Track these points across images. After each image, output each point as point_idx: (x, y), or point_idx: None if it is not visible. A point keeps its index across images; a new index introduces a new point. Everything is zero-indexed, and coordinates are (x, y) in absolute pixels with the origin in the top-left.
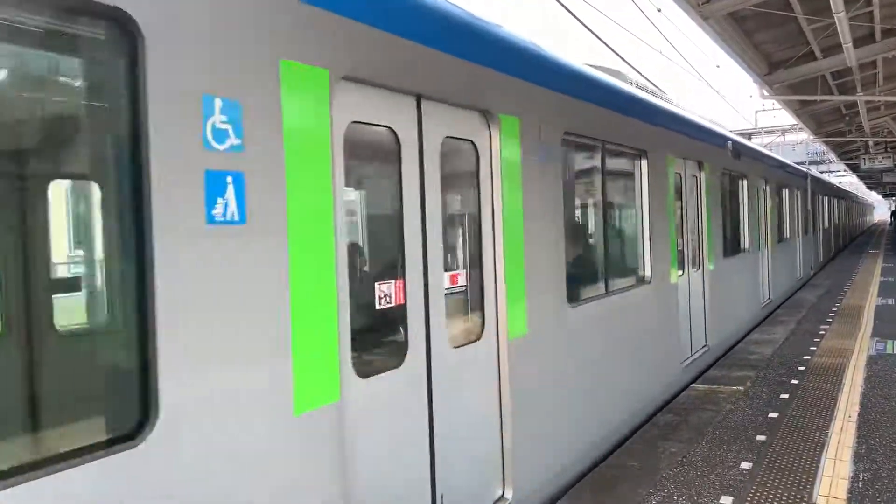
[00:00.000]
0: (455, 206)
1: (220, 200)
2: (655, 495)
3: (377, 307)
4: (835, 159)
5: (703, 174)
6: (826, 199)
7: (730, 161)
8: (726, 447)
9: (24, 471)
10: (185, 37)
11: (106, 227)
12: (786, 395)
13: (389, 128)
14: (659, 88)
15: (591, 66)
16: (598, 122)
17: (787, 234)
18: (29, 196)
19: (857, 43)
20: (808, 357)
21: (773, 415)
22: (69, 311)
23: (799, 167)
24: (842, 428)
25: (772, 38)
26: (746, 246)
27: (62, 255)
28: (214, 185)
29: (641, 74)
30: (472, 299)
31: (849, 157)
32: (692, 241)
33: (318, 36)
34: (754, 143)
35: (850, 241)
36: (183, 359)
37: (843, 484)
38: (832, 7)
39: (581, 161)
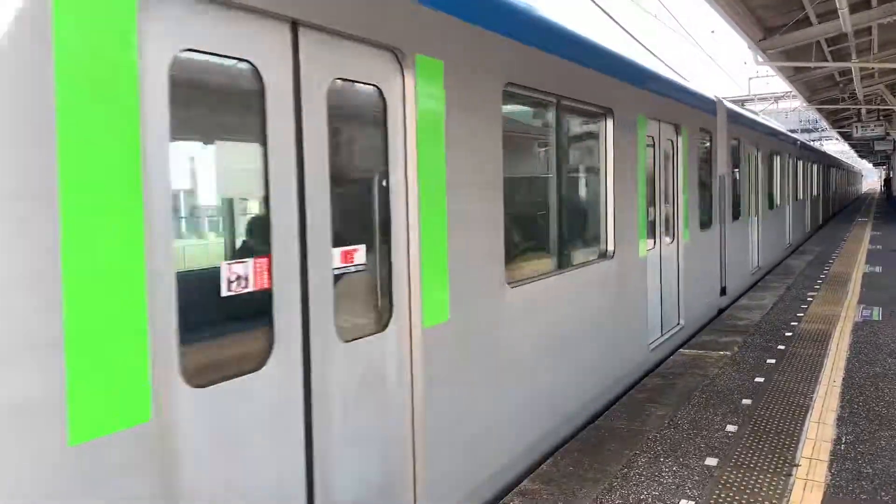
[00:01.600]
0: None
1: None
2: (642, 456)
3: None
4: (827, 127)
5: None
6: (815, 166)
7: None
8: (712, 410)
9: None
10: None
11: None
12: (772, 361)
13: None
14: (652, 53)
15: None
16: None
17: (778, 202)
18: None
19: (853, 8)
20: (796, 323)
21: (759, 379)
22: None
23: (790, 134)
24: (826, 392)
25: (767, 3)
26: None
27: None
28: None
29: (634, 38)
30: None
31: (841, 125)
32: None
33: None
34: (747, 110)
35: (832, 215)
36: None
37: (825, 446)
38: None
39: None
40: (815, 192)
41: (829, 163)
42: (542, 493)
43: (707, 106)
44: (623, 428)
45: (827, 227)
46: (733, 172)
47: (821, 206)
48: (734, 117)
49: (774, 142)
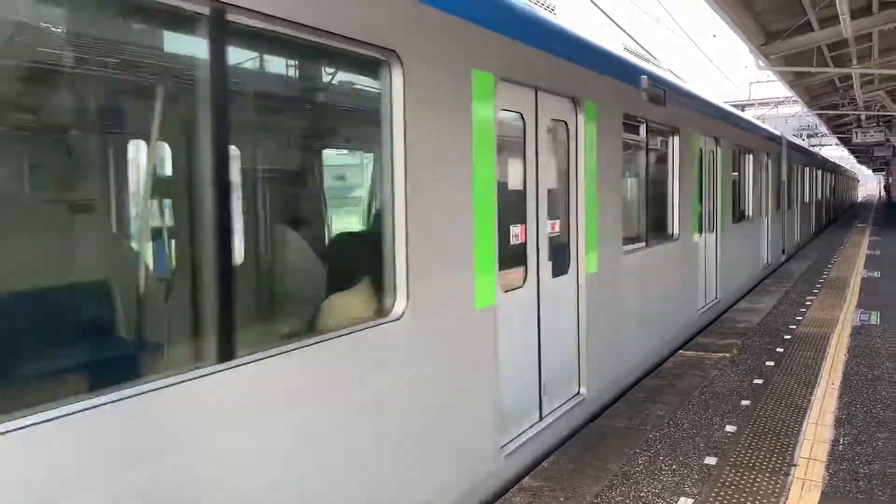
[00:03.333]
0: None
1: None
2: (642, 455)
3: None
4: (827, 132)
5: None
6: (806, 170)
7: (644, 107)
8: (712, 411)
9: None
10: None
11: None
12: (771, 363)
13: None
14: (653, 56)
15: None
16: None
17: (749, 212)
18: None
19: (854, 14)
20: (794, 326)
21: (757, 381)
22: None
23: (773, 131)
24: (824, 394)
25: (770, 8)
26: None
27: None
28: None
29: (635, 40)
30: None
31: (841, 130)
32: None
33: None
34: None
35: (823, 228)
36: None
37: (823, 447)
38: None
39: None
40: (799, 200)
41: (814, 164)
42: (543, 489)
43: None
44: (623, 427)
45: (816, 240)
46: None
47: (804, 219)
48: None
49: (740, 134)
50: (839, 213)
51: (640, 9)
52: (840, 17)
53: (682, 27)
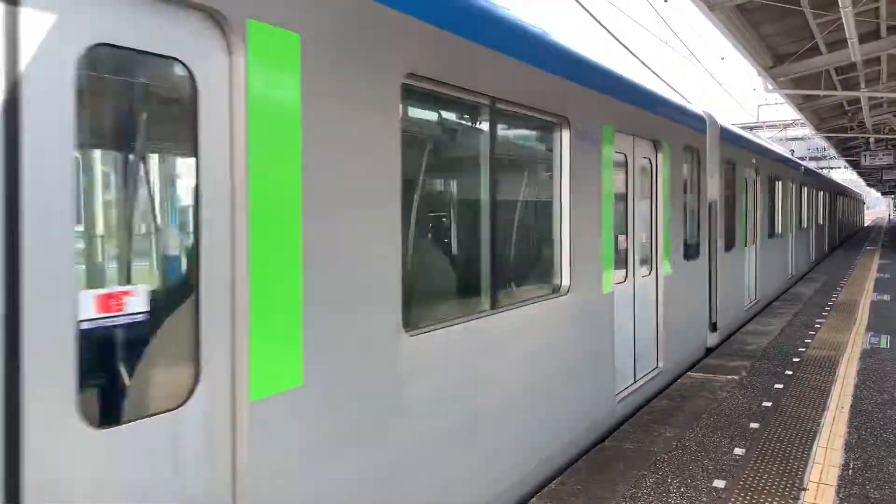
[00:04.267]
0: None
1: None
2: (650, 477)
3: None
4: (836, 155)
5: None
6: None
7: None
8: (720, 433)
9: None
10: None
11: None
12: (780, 385)
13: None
14: (661, 78)
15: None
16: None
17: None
18: None
19: (863, 39)
20: (803, 349)
21: (766, 403)
22: None
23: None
24: (834, 418)
25: (778, 31)
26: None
27: None
28: None
29: (644, 64)
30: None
31: (850, 153)
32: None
33: None
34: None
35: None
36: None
37: (833, 471)
38: (839, 2)
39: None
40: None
41: (810, 182)
42: None
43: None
44: (631, 449)
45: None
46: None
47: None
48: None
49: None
50: (843, 238)
51: (650, 32)
52: (848, 41)
53: (690, 50)
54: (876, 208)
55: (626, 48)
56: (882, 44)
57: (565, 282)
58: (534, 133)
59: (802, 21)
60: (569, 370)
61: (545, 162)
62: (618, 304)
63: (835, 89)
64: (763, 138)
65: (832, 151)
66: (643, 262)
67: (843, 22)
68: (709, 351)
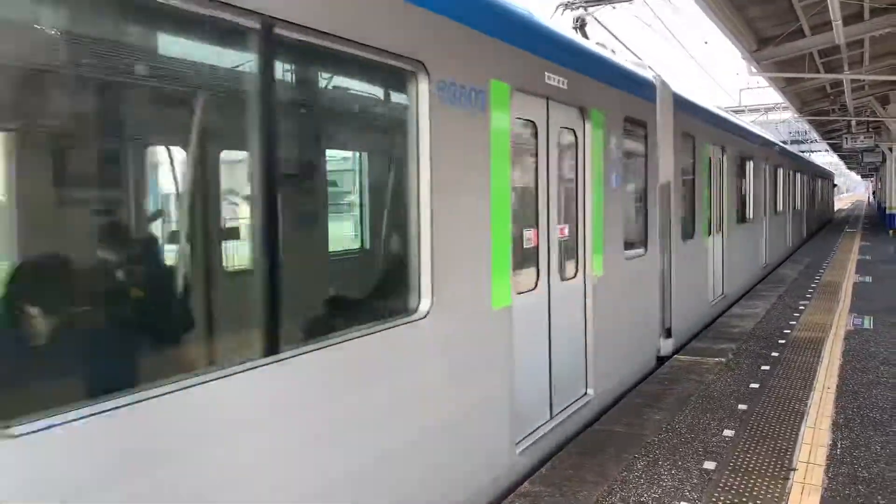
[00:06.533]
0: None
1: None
2: (641, 459)
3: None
4: (817, 138)
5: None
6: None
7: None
8: (709, 415)
9: None
10: None
11: None
12: (767, 367)
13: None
14: (641, 60)
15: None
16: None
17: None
18: None
19: (847, 21)
20: (789, 331)
21: (754, 385)
22: None
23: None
24: (821, 398)
25: (762, 14)
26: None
27: None
28: None
29: (626, 46)
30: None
31: (831, 136)
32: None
33: None
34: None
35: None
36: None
37: (822, 451)
38: None
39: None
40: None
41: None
42: (542, 495)
43: None
44: (622, 432)
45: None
46: None
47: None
48: None
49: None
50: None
51: (634, 16)
52: (832, 23)
53: (673, 34)
54: (857, 191)
55: (604, 26)
56: (865, 26)
57: (423, 300)
58: (354, 83)
59: (787, 3)
60: (424, 430)
61: (379, 129)
62: (521, 321)
63: (818, 72)
64: (745, 121)
65: (814, 135)
66: (565, 262)
67: (829, 4)
68: (661, 361)
